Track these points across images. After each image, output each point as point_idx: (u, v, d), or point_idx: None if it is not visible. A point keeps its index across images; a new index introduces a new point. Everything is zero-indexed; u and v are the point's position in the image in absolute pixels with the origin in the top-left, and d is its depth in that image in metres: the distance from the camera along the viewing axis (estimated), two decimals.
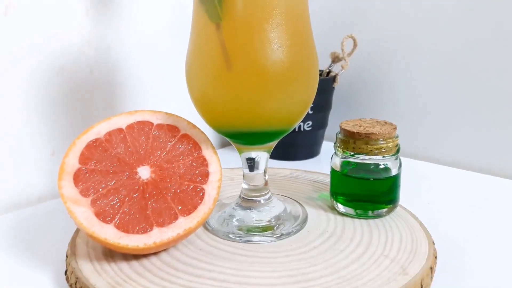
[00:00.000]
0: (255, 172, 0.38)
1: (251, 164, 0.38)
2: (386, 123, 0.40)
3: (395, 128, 0.38)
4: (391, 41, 0.62)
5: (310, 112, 0.58)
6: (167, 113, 0.36)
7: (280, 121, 0.34)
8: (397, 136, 0.38)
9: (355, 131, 0.38)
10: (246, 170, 0.38)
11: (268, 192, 0.39)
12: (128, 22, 0.53)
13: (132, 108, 0.55)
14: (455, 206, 0.45)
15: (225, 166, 0.49)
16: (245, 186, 0.39)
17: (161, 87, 0.58)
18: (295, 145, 0.60)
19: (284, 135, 0.36)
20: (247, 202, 0.38)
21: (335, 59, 0.61)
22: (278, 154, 0.60)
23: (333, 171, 0.40)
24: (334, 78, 0.60)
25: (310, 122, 0.59)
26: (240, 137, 0.36)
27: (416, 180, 0.51)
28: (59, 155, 0.49)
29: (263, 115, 0.33)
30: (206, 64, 0.33)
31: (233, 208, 0.39)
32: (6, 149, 0.45)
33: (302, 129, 0.59)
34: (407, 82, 0.61)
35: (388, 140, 0.37)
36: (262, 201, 0.38)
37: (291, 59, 0.32)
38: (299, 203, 0.41)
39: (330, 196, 0.41)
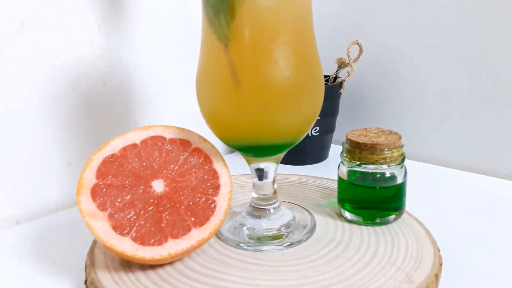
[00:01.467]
0: (264, 181, 0.39)
1: (260, 174, 0.39)
2: (391, 132, 0.41)
3: (400, 137, 0.39)
4: (396, 46, 0.63)
5: (318, 118, 0.59)
6: (178, 128, 0.38)
7: (287, 134, 0.36)
8: (402, 146, 0.39)
9: (361, 142, 0.39)
10: (256, 180, 0.40)
11: (277, 201, 0.40)
12: (139, 35, 0.54)
13: (144, 119, 0.56)
14: (461, 209, 0.46)
15: (235, 173, 0.51)
16: (254, 195, 0.40)
17: (173, 97, 0.59)
18: (303, 151, 0.61)
19: (292, 146, 0.38)
20: (257, 210, 0.40)
21: (341, 64, 0.62)
22: (287, 159, 0.61)
23: (340, 179, 0.41)
24: (340, 84, 0.61)
25: (318, 128, 0.60)
26: (249, 150, 0.37)
27: (423, 184, 0.52)
28: (75, 165, 0.51)
29: (271, 129, 0.34)
30: (215, 82, 0.34)
31: (243, 217, 0.40)
32: (25, 161, 0.47)
33: (310, 134, 0.60)
34: (412, 85, 0.62)
35: (393, 150, 0.38)
36: (272, 210, 0.40)
37: (297, 76, 0.33)
38: (307, 210, 0.42)
39: (338, 203, 0.42)
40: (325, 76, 0.64)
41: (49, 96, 0.48)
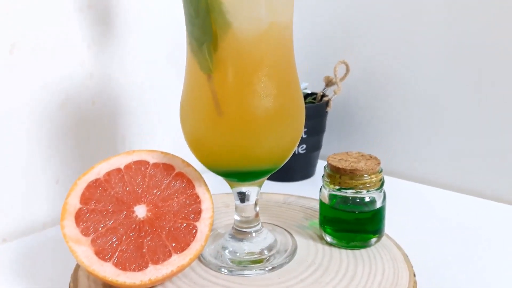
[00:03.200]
0: (245, 203, 0.40)
1: (242, 197, 0.40)
2: (371, 157, 0.42)
3: (379, 163, 0.40)
4: (383, 66, 0.64)
5: (304, 136, 0.60)
6: (162, 152, 0.39)
7: (268, 161, 0.37)
8: (381, 171, 0.40)
9: (341, 167, 0.40)
10: (238, 202, 0.41)
11: (258, 224, 0.41)
12: (129, 55, 0.55)
13: (133, 138, 0.57)
14: (443, 231, 0.46)
15: (221, 191, 0.51)
16: (237, 217, 0.41)
17: (162, 117, 0.60)
18: (291, 168, 0.62)
19: (273, 172, 0.39)
20: (239, 233, 0.41)
21: (329, 83, 0.63)
22: (274, 176, 0.62)
23: (321, 203, 0.42)
24: (327, 103, 0.62)
25: (304, 146, 0.61)
26: (232, 175, 0.38)
27: (407, 202, 0.53)
28: (63, 183, 0.51)
29: (252, 157, 0.35)
30: (198, 110, 0.35)
31: (226, 239, 0.41)
32: (12, 178, 0.47)
33: (297, 152, 0.61)
34: (399, 104, 0.63)
35: (372, 176, 0.39)
36: (254, 234, 0.40)
37: (277, 107, 0.34)
38: (289, 233, 0.43)
39: (319, 225, 0.43)
40: (313, 94, 0.65)
41: (38, 114, 0.48)
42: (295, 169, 0.62)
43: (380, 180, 0.40)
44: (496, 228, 0.47)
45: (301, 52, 0.72)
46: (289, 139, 0.36)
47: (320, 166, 0.65)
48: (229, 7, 0.32)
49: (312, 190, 0.55)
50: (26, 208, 0.49)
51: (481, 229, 0.47)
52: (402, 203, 0.52)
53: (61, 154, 0.51)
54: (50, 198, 0.51)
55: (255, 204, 0.41)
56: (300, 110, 0.37)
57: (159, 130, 0.60)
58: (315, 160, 0.64)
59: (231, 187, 0.40)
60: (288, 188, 0.59)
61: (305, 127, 0.60)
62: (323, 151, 0.65)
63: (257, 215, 0.41)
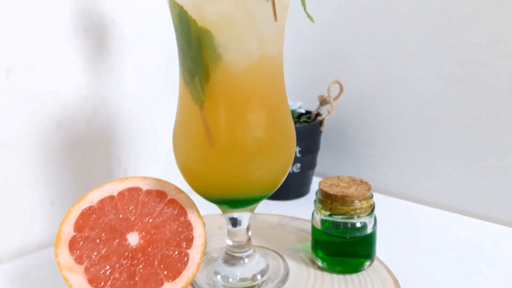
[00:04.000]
0: (238, 228, 0.41)
1: (234, 222, 0.40)
2: (362, 182, 0.42)
3: (370, 188, 0.41)
4: (376, 84, 0.65)
5: (299, 155, 0.61)
6: (155, 179, 0.39)
7: (259, 189, 0.37)
8: (372, 196, 0.41)
9: (332, 193, 0.40)
10: (230, 226, 0.41)
11: (250, 249, 0.41)
12: (123, 77, 0.56)
13: (127, 159, 0.58)
14: (437, 253, 0.46)
15: (214, 212, 0.52)
16: (229, 242, 0.41)
17: (157, 138, 0.61)
18: (285, 186, 0.61)
19: (265, 198, 0.39)
20: (232, 258, 0.41)
21: (323, 102, 0.64)
22: None
23: (313, 227, 0.42)
24: (321, 122, 0.62)
25: (299, 165, 0.62)
26: (223, 202, 0.38)
27: (400, 222, 0.53)
28: (58, 204, 0.52)
29: (243, 185, 0.36)
30: (190, 139, 0.36)
31: (219, 264, 0.41)
32: (8, 199, 0.48)
33: (291, 171, 0.62)
34: (391, 123, 0.64)
35: (363, 201, 0.40)
36: (246, 259, 0.41)
37: (268, 137, 0.35)
38: (281, 257, 0.44)
39: (312, 250, 0.43)
40: (307, 113, 0.66)
41: (33, 136, 0.49)
42: (290, 188, 0.63)
43: (371, 206, 0.41)
44: (492, 251, 0.47)
45: (295, 72, 0.74)
46: (279, 168, 0.37)
47: (315, 184, 0.66)
48: (220, 41, 0.32)
49: (306, 209, 0.56)
50: (21, 229, 0.49)
51: (476, 252, 0.46)
52: (395, 223, 0.53)
53: (56, 175, 0.51)
54: (45, 219, 0.51)
55: (247, 229, 0.41)
56: (290, 139, 0.37)
57: (154, 151, 0.61)
58: (309, 179, 0.65)
59: (223, 212, 0.40)
60: (283, 207, 0.60)
61: (299, 146, 0.61)
62: (317, 169, 0.66)
63: (249, 239, 0.41)
